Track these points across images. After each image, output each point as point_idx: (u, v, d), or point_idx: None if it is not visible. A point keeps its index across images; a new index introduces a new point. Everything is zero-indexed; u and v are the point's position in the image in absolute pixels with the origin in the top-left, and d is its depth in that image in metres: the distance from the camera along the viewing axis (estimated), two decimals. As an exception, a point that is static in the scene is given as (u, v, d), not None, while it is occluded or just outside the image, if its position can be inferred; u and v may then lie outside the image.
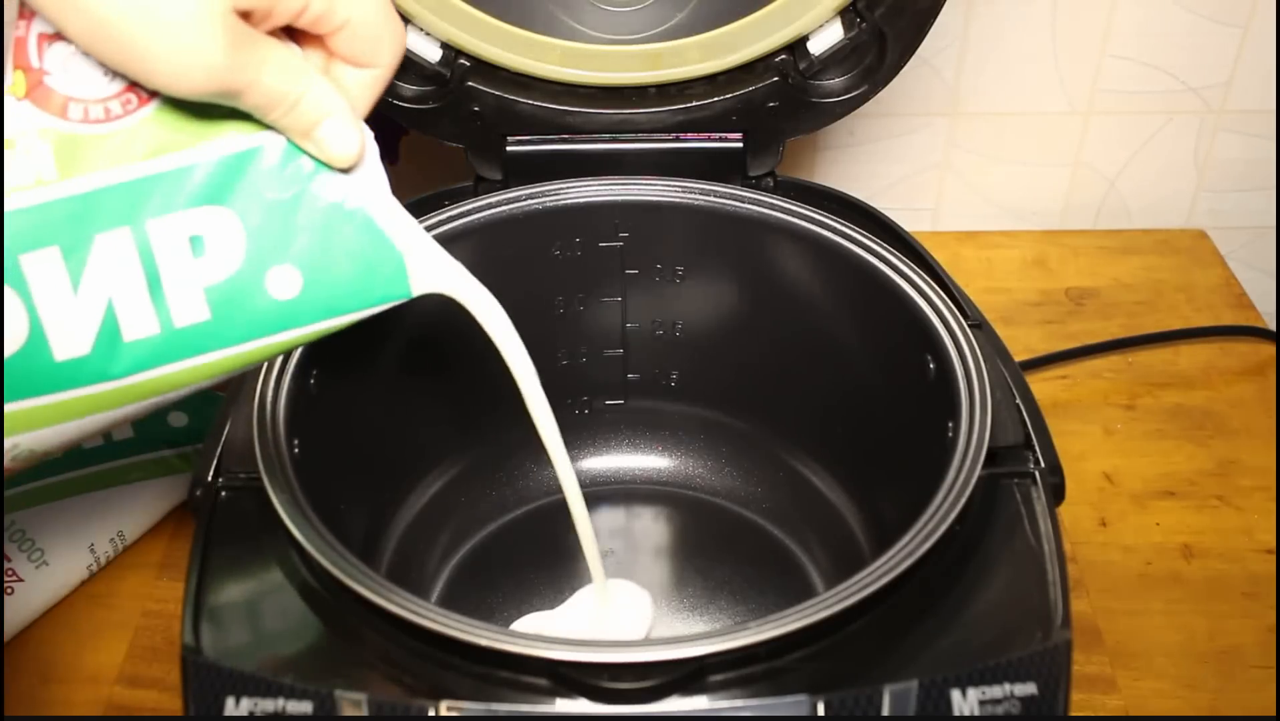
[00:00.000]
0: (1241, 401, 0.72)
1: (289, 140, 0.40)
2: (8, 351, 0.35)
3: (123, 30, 0.35)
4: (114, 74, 0.37)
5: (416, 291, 0.43)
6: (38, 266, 0.36)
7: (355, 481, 0.57)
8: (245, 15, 0.37)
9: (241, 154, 0.39)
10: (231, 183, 0.39)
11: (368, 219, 0.41)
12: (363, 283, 0.41)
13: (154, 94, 0.38)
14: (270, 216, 0.40)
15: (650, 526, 0.61)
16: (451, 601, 0.58)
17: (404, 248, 0.42)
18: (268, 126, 0.39)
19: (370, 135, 0.41)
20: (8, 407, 0.36)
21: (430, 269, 0.43)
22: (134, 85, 0.37)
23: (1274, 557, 0.63)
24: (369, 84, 0.41)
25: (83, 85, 0.37)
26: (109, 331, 0.37)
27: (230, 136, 0.39)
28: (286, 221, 0.40)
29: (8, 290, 0.36)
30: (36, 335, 0.36)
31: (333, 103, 0.40)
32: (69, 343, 0.36)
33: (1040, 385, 0.72)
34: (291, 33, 0.40)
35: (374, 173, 0.41)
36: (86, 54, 0.36)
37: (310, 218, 0.40)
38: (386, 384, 0.58)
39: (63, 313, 0.36)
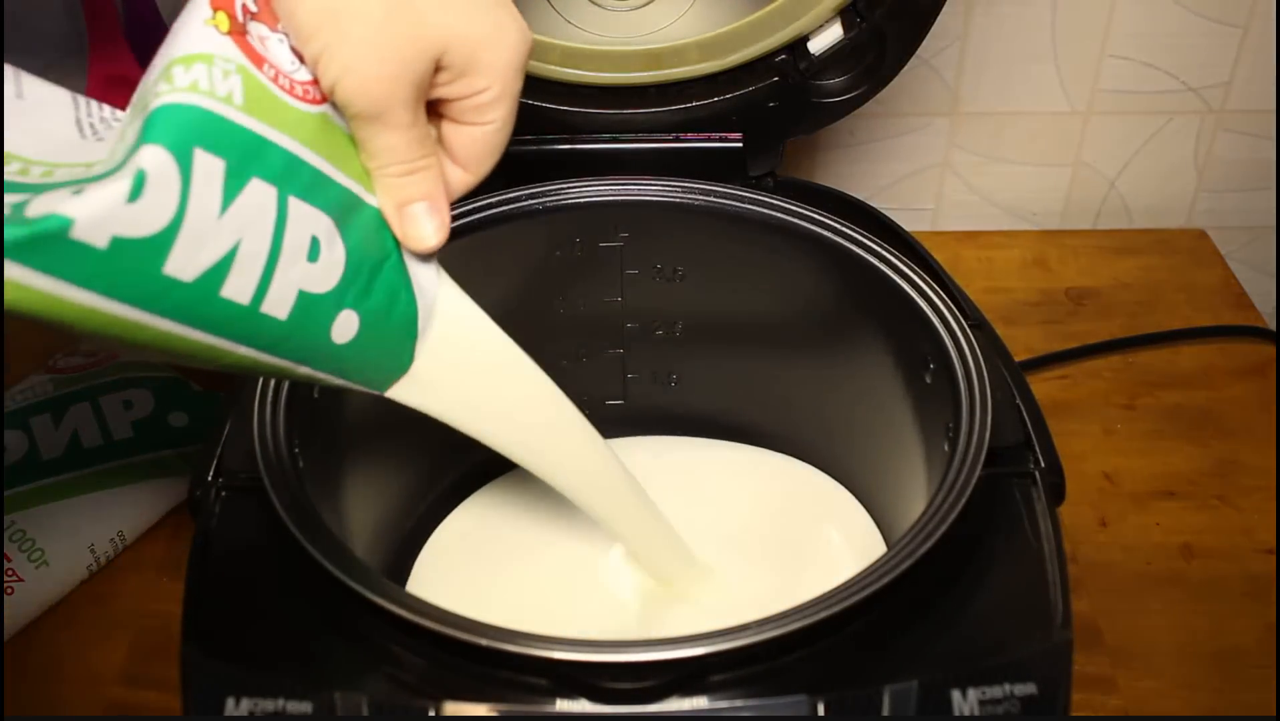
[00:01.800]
0: (1241, 401, 0.72)
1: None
2: (138, 230, 0.34)
3: (358, 16, 0.38)
4: (300, 65, 0.39)
5: (388, 394, 0.45)
6: (204, 165, 0.36)
7: (355, 481, 0.57)
8: (438, 69, 0.40)
9: (366, 202, 0.42)
10: (350, 215, 0.41)
11: (413, 314, 0.44)
12: (375, 362, 0.44)
13: (321, 102, 0.40)
14: (361, 263, 0.41)
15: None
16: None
17: (415, 358, 0.44)
18: None
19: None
20: (90, 296, 0.34)
21: (412, 391, 0.45)
22: (314, 83, 0.39)
23: (1274, 557, 0.63)
24: (486, 139, 0.43)
25: (276, 58, 0.39)
26: (216, 276, 0.36)
27: (358, 181, 0.41)
28: (368, 276, 0.42)
29: (171, 168, 0.35)
30: (167, 235, 0.35)
31: (439, 193, 0.42)
32: (185, 261, 0.35)
33: (1040, 385, 0.72)
34: None
35: (431, 264, 0.44)
36: (293, 41, 0.39)
37: (383, 283, 0.42)
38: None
39: (202, 226, 0.36)
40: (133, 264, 0.34)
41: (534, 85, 0.62)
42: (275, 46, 0.39)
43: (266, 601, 0.44)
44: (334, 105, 0.40)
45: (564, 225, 0.59)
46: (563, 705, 0.40)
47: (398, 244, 0.43)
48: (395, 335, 0.44)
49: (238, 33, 0.38)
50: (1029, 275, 0.83)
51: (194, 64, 0.37)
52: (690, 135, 0.63)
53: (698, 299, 0.62)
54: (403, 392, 0.45)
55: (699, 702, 0.40)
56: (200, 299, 0.36)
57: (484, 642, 0.40)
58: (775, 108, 0.63)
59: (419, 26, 0.39)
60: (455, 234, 0.57)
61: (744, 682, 0.41)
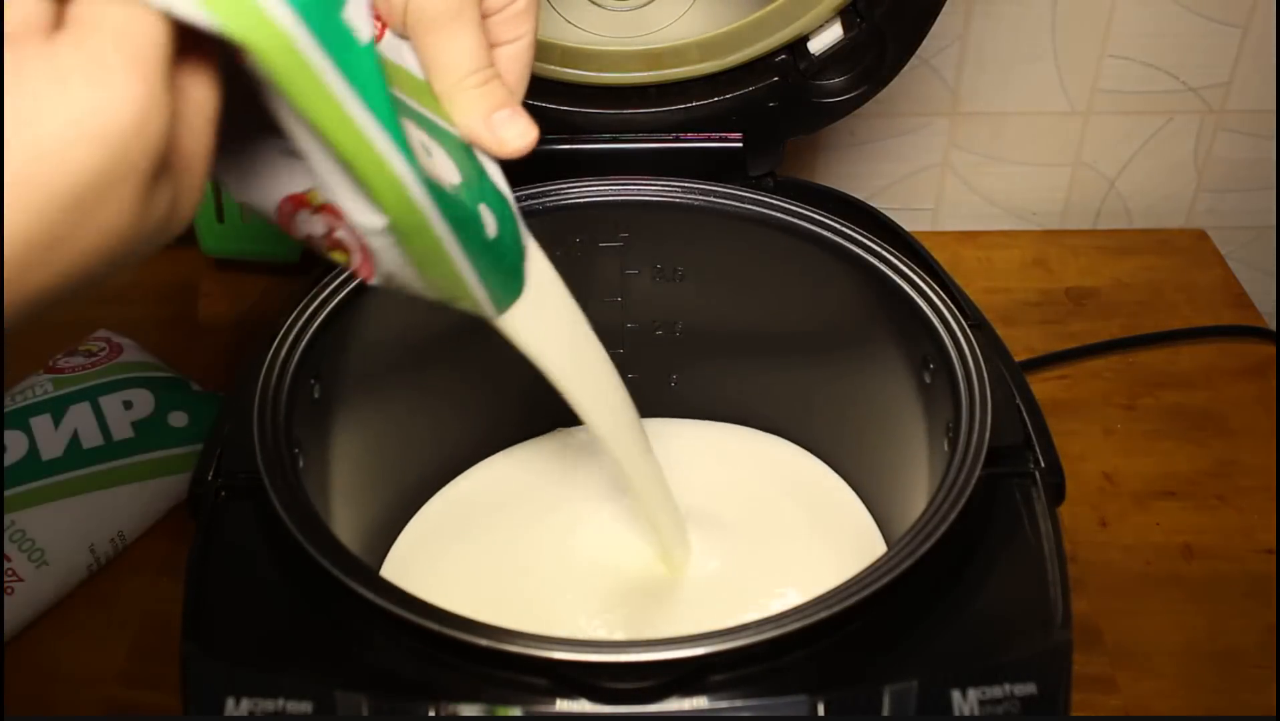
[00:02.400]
0: (1241, 401, 0.72)
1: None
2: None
3: None
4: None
5: (500, 320, 0.45)
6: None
7: (354, 481, 0.57)
8: None
9: (440, 125, 0.41)
10: (440, 136, 0.41)
11: (518, 236, 0.44)
12: (501, 272, 0.43)
13: (379, 27, 0.40)
14: (471, 174, 0.41)
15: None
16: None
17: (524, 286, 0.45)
18: None
19: None
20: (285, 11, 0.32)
21: (517, 321, 0.45)
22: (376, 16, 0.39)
23: (1274, 557, 0.63)
24: (521, 55, 0.43)
25: None
26: (378, 65, 0.35)
27: (432, 109, 0.41)
28: (479, 183, 0.42)
29: None
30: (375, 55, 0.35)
31: (514, 100, 0.43)
32: (354, 13, 0.34)
33: (1040, 385, 0.72)
34: None
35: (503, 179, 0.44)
36: None
37: (486, 189, 0.42)
38: (386, 384, 0.58)
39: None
40: (377, 71, 0.34)
41: (534, 85, 0.62)
42: None
43: (266, 601, 0.44)
44: (399, 35, 0.40)
45: (564, 225, 0.59)
46: (562, 705, 0.40)
47: (484, 174, 0.43)
48: (515, 249, 0.44)
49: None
50: (1029, 275, 0.83)
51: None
52: (690, 135, 0.63)
53: (698, 299, 0.62)
54: (511, 321, 0.45)
55: (699, 702, 0.40)
56: (374, 73, 0.35)
57: (483, 642, 0.40)
58: (775, 108, 0.63)
59: None
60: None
61: (744, 682, 0.41)
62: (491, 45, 0.43)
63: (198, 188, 0.32)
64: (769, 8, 0.61)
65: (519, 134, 0.42)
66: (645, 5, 0.63)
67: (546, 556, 0.58)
